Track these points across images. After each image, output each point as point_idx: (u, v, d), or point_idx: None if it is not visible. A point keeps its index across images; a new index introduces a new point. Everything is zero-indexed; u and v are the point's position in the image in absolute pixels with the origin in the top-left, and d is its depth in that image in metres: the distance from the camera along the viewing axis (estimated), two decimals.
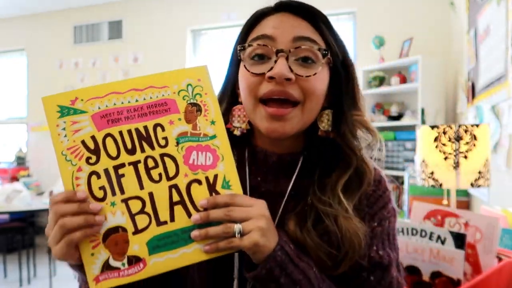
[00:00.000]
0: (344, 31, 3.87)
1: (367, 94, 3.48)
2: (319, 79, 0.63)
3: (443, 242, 1.01)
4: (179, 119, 0.58)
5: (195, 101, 0.58)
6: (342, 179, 0.65)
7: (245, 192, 0.67)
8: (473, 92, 2.36)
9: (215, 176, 0.58)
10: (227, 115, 0.69)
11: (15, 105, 5.67)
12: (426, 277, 1.02)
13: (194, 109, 0.58)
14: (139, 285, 0.59)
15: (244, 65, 0.64)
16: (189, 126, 0.58)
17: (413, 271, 1.03)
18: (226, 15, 4.45)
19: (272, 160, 0.68)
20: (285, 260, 0.56)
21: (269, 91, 0.61)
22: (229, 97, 0.71)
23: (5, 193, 3.44)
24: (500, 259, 0.99)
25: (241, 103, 0.69)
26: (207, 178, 0.58)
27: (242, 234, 0.54)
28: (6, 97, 5.76)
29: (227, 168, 0.58)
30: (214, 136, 0.59)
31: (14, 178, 4.86)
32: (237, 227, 0.54)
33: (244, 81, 0.64)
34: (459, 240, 0.99)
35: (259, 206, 0.57)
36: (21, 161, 5.33)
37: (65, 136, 0.56)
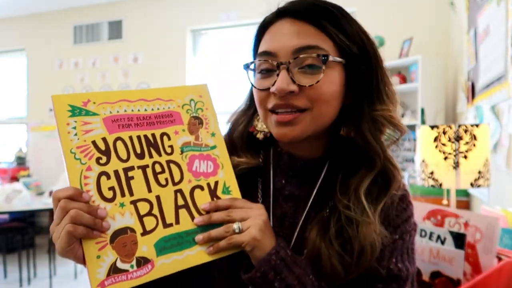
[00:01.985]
0: None
1: None
2: (326, 82, 0.60)
3: (443, 242, 1.01)
4: (183, 130, 0.63)
5: (197, 115, 0.65)
6: (365, 181, 0.63)
7: (269, 194, 0.69)
8: (473, 92, 2.36)
9: (216, 183, 0.62)
10: (252, 119, 0.72)
11: (15, 105, 5.67)
12: (426, 277, 1.02)
13: (197, 122, 0.64)
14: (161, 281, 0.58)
15: (252, 82, 0.65)
16: (192, 137, 0.63)
17: None
18: (226, 15, 4.45)
19: (298, 164, 0.68)
20: (279, 265, 0.57)
21: (274, 105, 0.61)
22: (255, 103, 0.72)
23: (5, 193, 3.44)
24: (500, 259, 0.99)
25: None
26: (208, 184, 0.62)
27: (241, 231, 0.57)
28: (6, 97, 5.76)
29: (226, 175, 0.63)
30: (214, 147, 0.64)
31: (14, 178, 4.86)
32: (236, 224, 0.57)
33: (254, 95, 0.66)
34: (459, 240, 0.99)
35: (258, 208, 0.60)
36: (21, 161, 5.33)
37: (75, 135, 0.56)
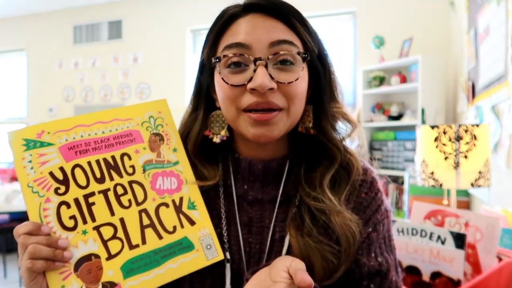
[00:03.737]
0: (344, 31, 3.89)
1: (367, 94, 3.48)
2: (301, 80, 0.60)
3: (443, 242, 1.01)
4: (144, 148, 0.62)
5: (157, 131, 0.64)
6: (328, 174, 0.64)
7: (232, 202, 0.67)
8: (473, 92, 2.36)
9: (181, 199, 0.62)
10: (205, 122, 0.67)
11: (15, 105, 5.67)
12: (426, 277, 1.02)
13: (157, 139, 0.64)
14: None
15: (222, 77, 0.59)
16: (153, 154, 0.63)
17: (413, 271, 1.03)
18: None
19: (258, 168, 0.66)
20: None
21: (253, 103, 0.57)
22: (205, 103, 0.68)
23: (5, 193, 3.44)
24: (500, 259, 0.99)
25: (218, 108, 0.66)
26: (173, 201, 0.62)
27: None
28: (6, 97, 5.75)
29: (191, 190, 0.63)
30: (177, 162, 0.64)
31: (14, 178, 4.86)
32: None
33: (223, 92, 0.60)
34: (459, 240, 0.99)
35: None
36: None
37: (31, 168, 0.56)
